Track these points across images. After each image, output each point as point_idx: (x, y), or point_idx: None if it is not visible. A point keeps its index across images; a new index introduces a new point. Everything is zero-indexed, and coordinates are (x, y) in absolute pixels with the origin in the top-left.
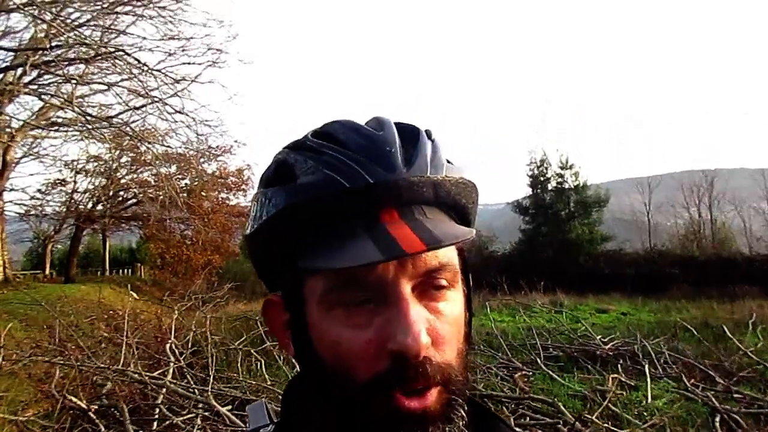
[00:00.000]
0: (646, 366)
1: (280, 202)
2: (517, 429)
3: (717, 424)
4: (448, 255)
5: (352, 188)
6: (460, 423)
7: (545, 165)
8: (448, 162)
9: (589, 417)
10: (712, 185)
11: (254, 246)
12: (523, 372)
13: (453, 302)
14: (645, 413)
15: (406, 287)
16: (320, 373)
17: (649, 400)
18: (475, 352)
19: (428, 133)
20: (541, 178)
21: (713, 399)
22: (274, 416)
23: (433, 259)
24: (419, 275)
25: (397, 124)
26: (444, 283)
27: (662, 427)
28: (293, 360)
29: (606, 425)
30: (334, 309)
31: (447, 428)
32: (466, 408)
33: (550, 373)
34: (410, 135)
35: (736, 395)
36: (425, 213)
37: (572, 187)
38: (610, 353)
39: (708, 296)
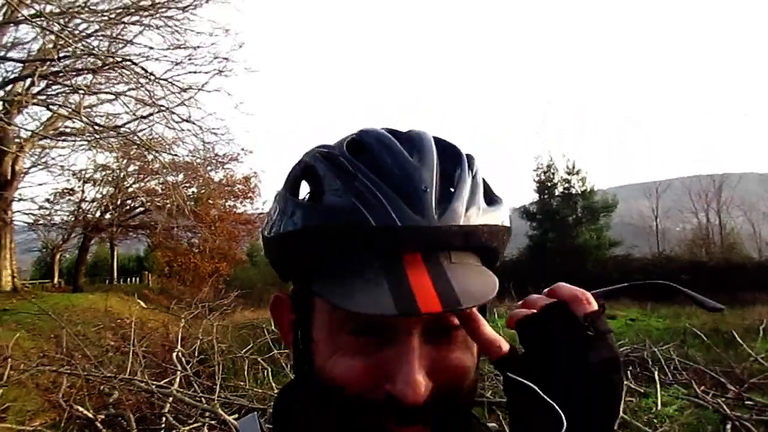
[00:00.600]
0: (656, 373)
1: (300, 220)
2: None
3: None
4: None
5: (377, 227)
6: None
7: (552, 170)
8: (487, 196)
9: None
10: (721, 190)
11: (270, 250)
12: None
13: (464, 344)
14: (655, 420)
15: (416, 330)
16: (316, 388)
17: (659, 407)
18: (482, 359)
19: (470, 162)
20: (548, 184)
21: (724, 406)
22: (266, 430)
23: None
24: (431, 318)
25: (437, 144)
26: (457, 323)
27: None
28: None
29: None
30: (340, 335)
31: None
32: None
33: None
34: (450, 166)
35: (747, 402)
36: (451, 258)
37: (579, 192)
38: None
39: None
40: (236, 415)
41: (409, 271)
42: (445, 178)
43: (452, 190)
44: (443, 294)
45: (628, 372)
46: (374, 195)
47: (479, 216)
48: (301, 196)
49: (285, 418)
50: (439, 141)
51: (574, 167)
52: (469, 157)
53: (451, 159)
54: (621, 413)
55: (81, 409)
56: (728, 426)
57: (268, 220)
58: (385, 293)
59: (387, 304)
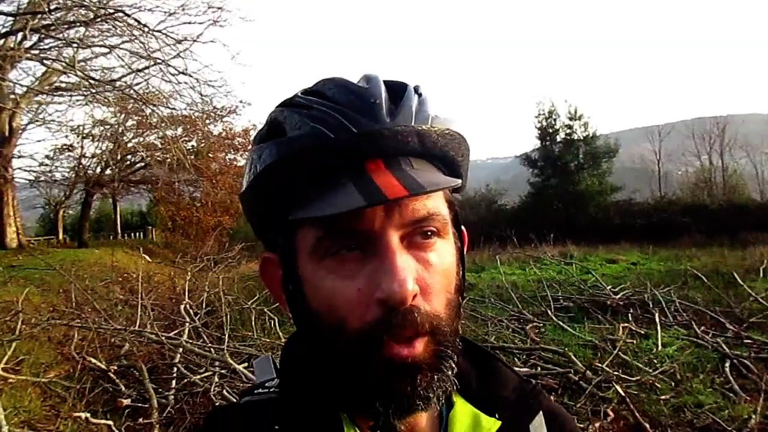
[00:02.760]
0: (656, 314)
1: (268, 158)
2: (517, 369)
3: (727, 370)
4: (437, 204)
5: (336, 138)
6: (450, 373)
7: (554, 116)
8: (437, 116)
9: (600, 365)
10: (724, 132)
11: (248, 204)
12: (534, 323)
13: (443, 252)
14: (655, 360)
15: (394, 236)
16: (313, 326)
17: (660, 347)
18: (485, 305)
19: (416, 89)
20: (550, 130)
21: (723, 345)
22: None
23: (421, 208)
24: (407, 224)
25: (385, 81)
26: (432, 231)
27: (673, 374)
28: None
29: (616, 373)
30: (325, 260)
31: (436, 377)
32: (456, 359)
33: (561, 323)
34: (397, 89)
35: (746, 341)
36: (412, 164)
37: (581, 138)
38: (621, 303)
39: (719, 244)
40: (245, 364)
41: (373, 175)
42: (392, 95)
43: (401, 102)
44: (407, 183)
45: (629, 314)
46: (330, 115)
47: (430, 121)
48: None
49: (287, 370)
50: (386, 80)
51: (575, 113)
52: (416, 86)
53: (397, 86)
54: (622, 354)
55: (94, 360)
56: (727, 364)
57: (243, 182)
58: (354, 193)
59: (356, 199)
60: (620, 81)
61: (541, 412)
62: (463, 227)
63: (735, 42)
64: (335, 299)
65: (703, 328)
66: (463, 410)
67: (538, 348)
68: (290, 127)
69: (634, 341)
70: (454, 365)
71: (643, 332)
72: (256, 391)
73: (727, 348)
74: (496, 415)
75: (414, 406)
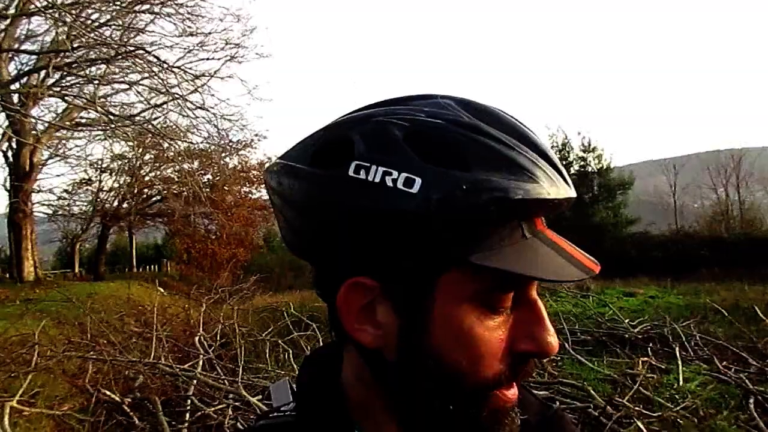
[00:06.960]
0: (677, 349)
1: (449, 188)
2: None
3: (752, 406)
4: None
5: (551, 199)
6: None
7: (567, 149)
8: None
9: (620, 401)
10: (740, 165)
11: (388, 223)
12: (552, 357)
13: None
14: (677, 396)
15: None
16: (428, 366)
17: (681, 382)
18: None
19: None
20: (563, 162)
21: (746, 381)
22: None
23: None
24: None
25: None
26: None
27: (695, 410)
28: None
29: (638, 408)
30: (477, 307)
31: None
32: None
33: (579, 357)
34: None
35: None
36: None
37: (595, 170)
38: (639, 336)
39: (738, 278)
40: (259, 396)
41: (548, 233)
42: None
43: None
44: (585, 254)
45: (648, 349)
46: (539, 169)
47: None
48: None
49: (310, 391)
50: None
51: (589, 145)
52: None
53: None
54: (642, 389)
55: (108, 393)
56: (751, 400)
57: (366, 187)
58: (557, 259)
59: (567, 269)
60: (634, 113)
61: None
62: None
63: (750, 73)
64: (478, 347)
65: (725, 363)
66: None
67: (557, 382)
68: (475, 162)
69: (655, 376)
70: None
71: (663, 367)
72: (271, 415)
73: (750, 384)
74: None
75: None
